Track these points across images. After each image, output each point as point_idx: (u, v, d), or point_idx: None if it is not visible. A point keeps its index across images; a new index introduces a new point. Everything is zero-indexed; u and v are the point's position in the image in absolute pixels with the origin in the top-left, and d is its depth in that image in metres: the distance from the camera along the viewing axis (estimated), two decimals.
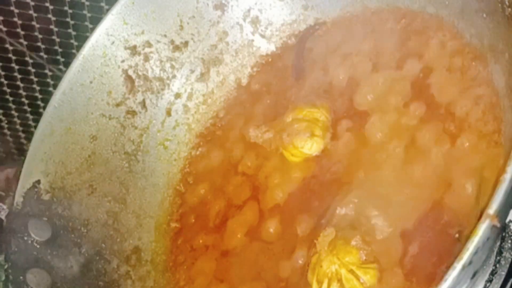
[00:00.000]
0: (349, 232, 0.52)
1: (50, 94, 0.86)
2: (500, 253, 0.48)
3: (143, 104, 0.72)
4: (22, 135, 1.12)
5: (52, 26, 0.90)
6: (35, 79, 1.00)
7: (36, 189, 0.62)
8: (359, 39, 0.66)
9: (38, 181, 0.62)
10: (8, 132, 1.11)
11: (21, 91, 1.02)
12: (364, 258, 0.50)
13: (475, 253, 0.37)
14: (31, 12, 0.88)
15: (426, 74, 0.57)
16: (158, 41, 0.72)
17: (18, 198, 0.61)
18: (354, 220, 0.53)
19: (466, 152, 0.51)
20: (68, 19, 0.89)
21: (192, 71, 0.74)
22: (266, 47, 0.75)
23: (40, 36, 0.92)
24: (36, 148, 0.64)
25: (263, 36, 0.75)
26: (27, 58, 0.96)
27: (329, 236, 0.52)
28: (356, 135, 0.59)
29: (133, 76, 0.71)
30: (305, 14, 0.73)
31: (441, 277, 0.37)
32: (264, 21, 0.74)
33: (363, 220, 0.53)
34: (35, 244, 0.59)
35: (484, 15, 0.51)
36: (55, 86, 0.73)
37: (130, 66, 0.71)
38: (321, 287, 0.51)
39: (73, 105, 0.67)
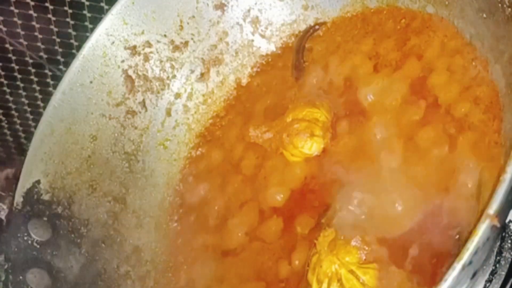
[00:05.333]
0: (349, 232, 0.52)
1: (50, 94, 0.86)
2: (500, 253, 0.49)
3: (143, 104, 0.72)
4: (22, 135, 1.12)
5: (52, 26, 0.90)
6: (35, 79, 1.00)
7: (36, 189, 0.62)
8: (359, 39, 0.66)
9: (38, 181, 0.62)
10: (8, 132, 1.11)
11: (21, 91, 1.02)
12: (364, 258, 0.50)
13: (475, 253, 0.37)
14: (31, 12, 0.88)
15: (426, 74, 0.57)
16: (158, 41, 0.72)
17: (18, 198, 0.61)
18: (354, 220, 0.53)
19: (466, 152, 0.51)
20: (68, 19, 0.89)
21: (192, 71, 0.74)
22: (266, 47, 0.75)
23: (40, 36, 0.92)
24: (36, 148, 0.64)
25: (263, 36, 0.75)
26: (27, 58, 0.96)
27: (329, 236, 0.52)
28: (356, 135, 0.59)
29: (133, 76, 0.71)
30: (305, 14, 0.73)
31: (441, 277, 0.37)
32: (264, 21, 0.74)
33: (363, 220, 0.53)
34: (35, 244, 0.59)
35: (484, 15, 0.51)
36: (55, 86, 0.72)
37: (130, 66, 0.71)
38: (321, 287, 0.51)
39: (73, 105, 0.67)
